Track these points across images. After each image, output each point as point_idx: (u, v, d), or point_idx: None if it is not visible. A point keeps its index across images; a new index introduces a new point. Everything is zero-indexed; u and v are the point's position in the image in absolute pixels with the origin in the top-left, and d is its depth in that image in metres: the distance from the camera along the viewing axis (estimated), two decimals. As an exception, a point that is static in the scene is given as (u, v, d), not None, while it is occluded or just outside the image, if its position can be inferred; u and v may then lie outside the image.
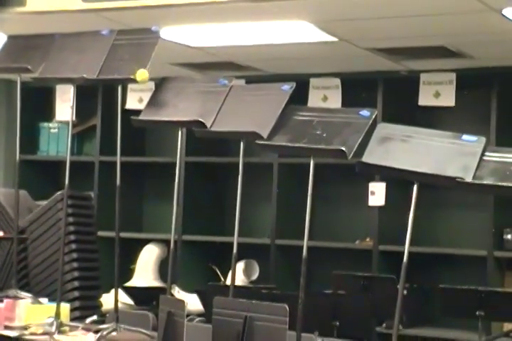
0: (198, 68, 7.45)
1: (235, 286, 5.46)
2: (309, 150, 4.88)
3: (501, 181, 4.47)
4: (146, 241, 8.17)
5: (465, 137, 4.70)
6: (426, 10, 5.55)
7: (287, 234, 7.22)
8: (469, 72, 7.22)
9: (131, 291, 7.02)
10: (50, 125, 8.74)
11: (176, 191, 5.29)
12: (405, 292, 4.79)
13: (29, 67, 5.53)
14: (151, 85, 5.63)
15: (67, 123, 6.56)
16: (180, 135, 5.27)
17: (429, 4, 5.40)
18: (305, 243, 4.87)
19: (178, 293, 6.75)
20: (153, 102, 5.32)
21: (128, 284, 7.67)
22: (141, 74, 4.84)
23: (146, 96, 5.62)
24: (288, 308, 4.40)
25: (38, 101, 8.26)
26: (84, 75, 5.35)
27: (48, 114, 8.59)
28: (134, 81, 5.20)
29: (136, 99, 7.86)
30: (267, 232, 7.58)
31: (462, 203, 7.25)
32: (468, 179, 4.51)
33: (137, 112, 5.51)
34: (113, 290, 5.56)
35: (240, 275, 7.44)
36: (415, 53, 6.82)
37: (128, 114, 5.59)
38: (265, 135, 4.86)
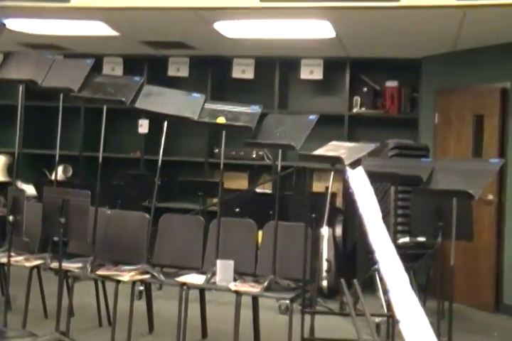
0: (34, 47, 7.08)
1: (57, 181, 5.40)
2: (102, 100, 4.88)
3: (200, 119, 4.59)
4: (-1, 153, 7.80)
5: (194, 94, 4.79)
6: (168, 19, 5.60)
7: (91, 148, 7.00)
8: (196, 58, 7.31)
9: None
10: None
11: (18, 121, 5.07)
12: (159, 182, 4.84)
13: None
14: (1, 56, 5.25)
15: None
16: (21, 87, 5.05)
17: (168, 16, 5.43)
18: (100, 154, 4.86)
19: (20, 185, 6.50)
20: (4, 67, 5.02)
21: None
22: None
23: (-2, 64, 5.26)
24: (90, 193, 4.41)
25: None
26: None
27: None
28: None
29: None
30: (78, 147, 7.41)
31: (193, 132, 7.32)
32: (195, 118, 4.60)
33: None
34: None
35: (60, 174, 7.28)
36: (166, 44, 6.82)
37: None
38: (76, 89, 4.79)
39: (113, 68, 7.53)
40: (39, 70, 4.90)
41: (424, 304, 4.14)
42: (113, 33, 6.18)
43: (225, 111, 4.60)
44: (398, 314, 2.46)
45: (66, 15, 5.54)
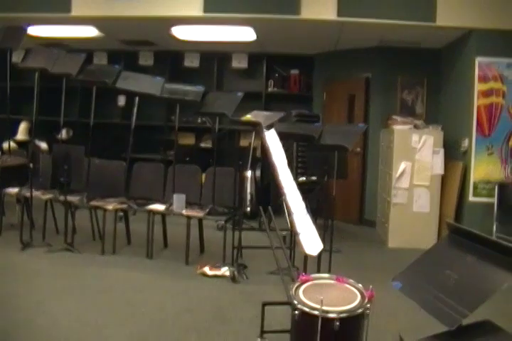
0: (45, 45, 6.37)
1: (62, 140, 5.21)
2: (93, 82, 4.50)
3: (174, 96, 4.31)
4: (22, 120, 7.13)
5: (157, 78, 4.53)
6: (139, 25, 5.18)
7: (85, 116, 6.27)
8: (158, 52, 6.84)
9: (15, 141, 6.33)
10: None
11: (35, 97, 4.71)
12: (132, 140, 4.58)
13: None
14: (23, 51, 4.78)
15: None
16: (37, 73, 4.64)
17: (139, 23, 5.04)
18: (91, 121, 4.52)
19: (37, 142, 6.11)
20: (25, 59, 4.63)
21: (14, 138, 6.80)
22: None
23: (21, 55, 4.74)
24: (84, 148, 4.18)
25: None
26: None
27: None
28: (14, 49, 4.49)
29: (17, 56, 6.45)
30: (76, 116, 6.86)
31: (156, 104, 6.86)
32: (158, 94, 4.34)
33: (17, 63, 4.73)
34: (7, 141, 4.96)
35: (64, 135, 6.81)
36: (137, 42, 6.36)
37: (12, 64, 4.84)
38: (74, 74, 4.47)
39: (100, 59, 7.05)
40: (49, 61, 4.61)
41: (315, 222, 4.09)
42: (100, 34, 5.77)
43: (179, 90, 4.36)
44: (298, 229, 2.35)
45: (67, 22, 5.18)
